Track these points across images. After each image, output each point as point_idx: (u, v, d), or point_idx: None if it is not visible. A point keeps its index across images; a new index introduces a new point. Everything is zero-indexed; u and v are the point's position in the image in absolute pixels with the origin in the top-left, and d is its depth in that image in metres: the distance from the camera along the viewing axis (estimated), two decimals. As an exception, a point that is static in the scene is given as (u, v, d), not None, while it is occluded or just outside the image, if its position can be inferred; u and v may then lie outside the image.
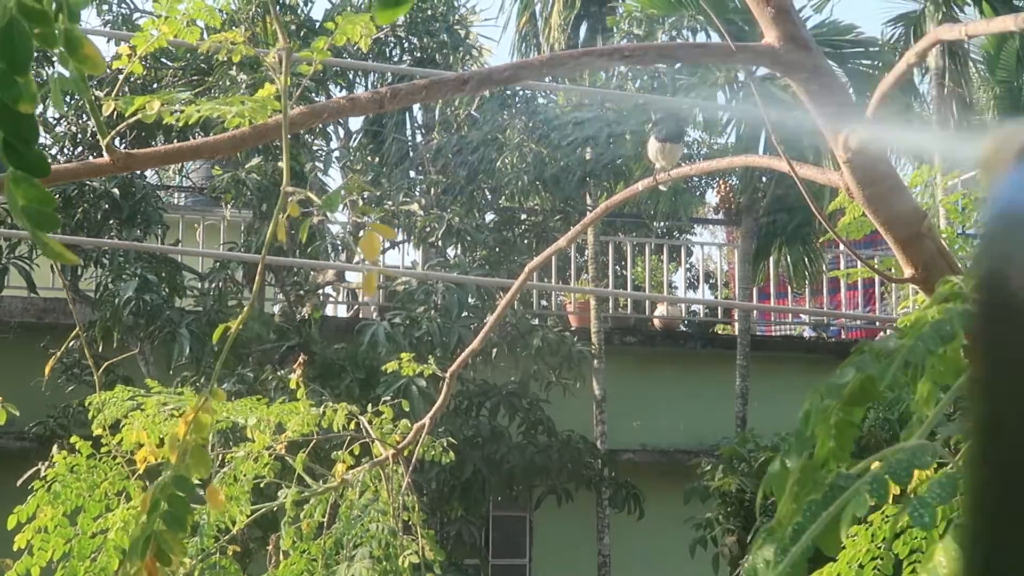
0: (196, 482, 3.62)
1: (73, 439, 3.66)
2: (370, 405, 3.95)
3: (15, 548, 3.56)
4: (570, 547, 12.74)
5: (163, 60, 11.24)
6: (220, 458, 3.75)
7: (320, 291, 11.42)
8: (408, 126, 13.04)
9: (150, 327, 9.82)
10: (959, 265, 2.57)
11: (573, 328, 12.91)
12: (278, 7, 10.68)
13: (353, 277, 12.42)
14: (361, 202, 10.81)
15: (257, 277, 2.11)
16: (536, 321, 11.70)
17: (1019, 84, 18.11)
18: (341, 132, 12.70)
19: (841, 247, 13.28)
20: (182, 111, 2.20)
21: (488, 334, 3.41)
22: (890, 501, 1.17)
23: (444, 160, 11.83)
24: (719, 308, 16.08)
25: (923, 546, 2.57)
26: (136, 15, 11.66)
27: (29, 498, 3.53)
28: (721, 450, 10.80)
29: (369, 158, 11.90)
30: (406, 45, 12.18)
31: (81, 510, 3.55)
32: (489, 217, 12.35)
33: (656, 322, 15.02)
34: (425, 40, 12.02)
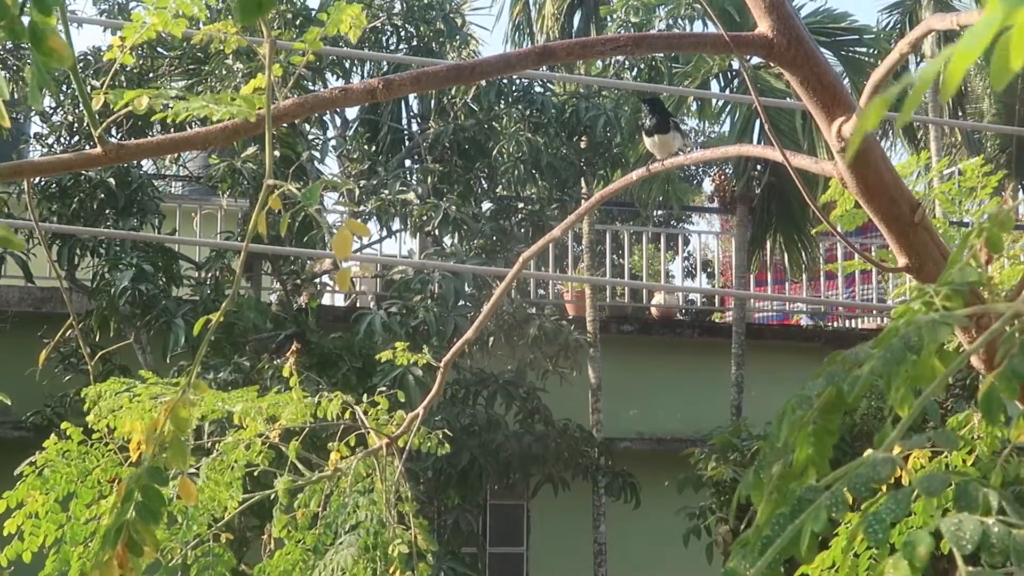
0: (192, 470, 3.64)
1: (64, 425, 3.65)
2: (366, 395, 3.95)
3: (5, 533, 3.57)
4: (567, 535, 12.77)
5: (159, 50, 11.22)
6: (213, 446, 3.76)
7: (317, 280, 11.41)
8: (404, 115, 13.04)
9: (147, 316, 9.82)
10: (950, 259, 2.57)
11: (570, 317, 12.93)
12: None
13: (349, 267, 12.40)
14: (358, 191, 10.81)
15: (238, 268, 2.12)
16: (533, 310, 11.70)
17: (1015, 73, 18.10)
18: (338, 121, 12.69)
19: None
20: (171, 107, 2.20)
21: (483, 324, 3.41)
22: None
23: (440, 149, 11.83)
24: (716, 297, 16.10)
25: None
26: (132, 4, 11.64)
27: (18, 483, 3.53)
28: (714, 440, 10.82)
29: (366, 147, 11.88)
30: (402, 34, 12.16)
31: (73, 496, 3.55)
32: (486, 206, 12.34)
33: (653, 311, 15.04)
34: (421, 29, 12.01)
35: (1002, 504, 1.06)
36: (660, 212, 18.34)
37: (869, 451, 1.14)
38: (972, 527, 1.04)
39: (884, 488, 1.18)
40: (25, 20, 1.52)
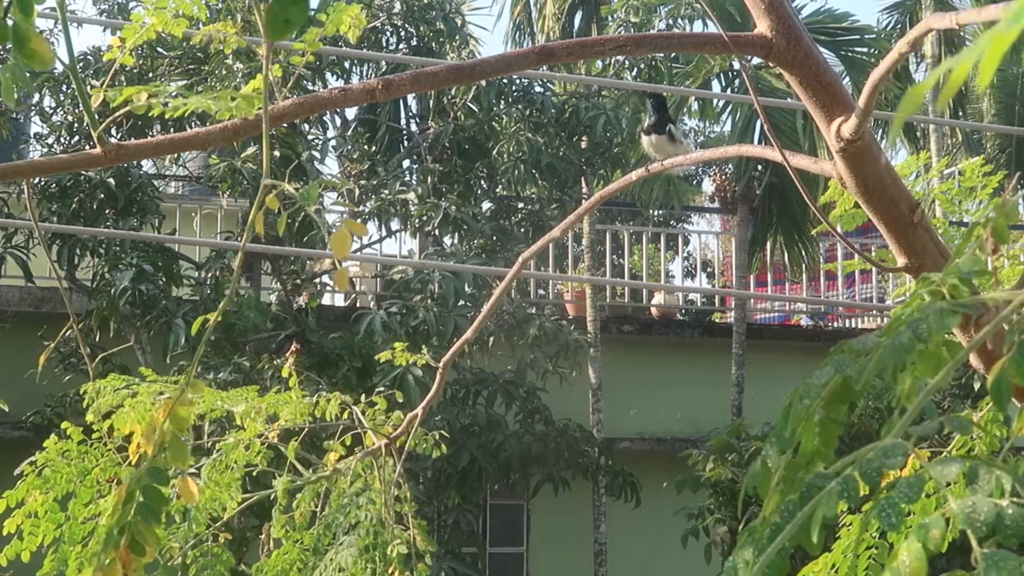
0: (192, 470, 3.64)
1: (64, 424, 3.65)
2: (365, 395, 3.95)
3: (4, 533, 3.57)
4: (567, 535, 12.77)
5: (159, 50, 11.22)
6: (213, 446, 3.76)
7: (317, 280, 11.41)
8: (403, 114, 13.04)
9: (147, 316, 9.81)
10: (952, 254, 2.56)
11: (570, 317, 12.94)
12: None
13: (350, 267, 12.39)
14: (358, 191, 10.81)
15: (236, 268, 2.12)
16: (533, 310, 11.71)
17: (1014, 72, 18.13)
18: (338, 121, 12.69)
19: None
20: (169, 104, 2.20)
21: (482, 324, 3.41)
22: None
23: (440, 149, 11.83)
24: (716, 297, 16.10)
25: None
26: (132, 4, 11.64)
27: (19, 483, 3.53)
28: (711, 441, 10.80)
29: (365, 147, 11.88)
30: (402, 34, 12.16)
31: (72, 496, 3.55)
32: (486, 206, 12.34)
33: (653, 311, 15.04)
34: (421, 29, 12.01)
35: (1015, 486, 1.05)
36: (660, 212, 18.34)
37: None
38: (987, 509, 1.03)
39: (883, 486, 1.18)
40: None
